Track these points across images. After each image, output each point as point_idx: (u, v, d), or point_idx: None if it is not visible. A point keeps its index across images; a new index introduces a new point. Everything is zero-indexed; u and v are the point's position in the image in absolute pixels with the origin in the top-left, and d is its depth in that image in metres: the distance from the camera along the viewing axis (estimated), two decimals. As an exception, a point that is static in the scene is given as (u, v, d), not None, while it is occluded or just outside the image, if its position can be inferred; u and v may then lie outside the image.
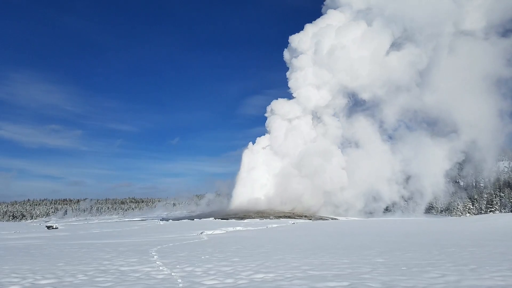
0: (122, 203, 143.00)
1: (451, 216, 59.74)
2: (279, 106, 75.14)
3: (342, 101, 73.81)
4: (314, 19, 77.72)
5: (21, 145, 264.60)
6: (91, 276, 7.09)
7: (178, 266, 8.15)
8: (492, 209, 58.75)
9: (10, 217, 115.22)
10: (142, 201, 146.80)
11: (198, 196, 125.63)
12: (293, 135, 73.04)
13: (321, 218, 55.30)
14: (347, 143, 74.09)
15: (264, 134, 78.62)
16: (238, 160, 79.84)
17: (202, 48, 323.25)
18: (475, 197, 64.14)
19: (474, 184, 72.32)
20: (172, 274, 7.23)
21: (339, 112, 74.97)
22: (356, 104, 74.71)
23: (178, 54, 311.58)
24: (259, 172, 74.02)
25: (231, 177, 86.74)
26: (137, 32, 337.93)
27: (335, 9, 76.32)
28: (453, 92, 66.09)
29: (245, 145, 79.99)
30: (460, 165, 71.56)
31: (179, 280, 6.56)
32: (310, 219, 51.38)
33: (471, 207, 62.72)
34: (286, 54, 79.37)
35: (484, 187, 68.36)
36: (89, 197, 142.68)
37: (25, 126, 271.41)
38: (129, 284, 6.28)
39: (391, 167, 67.79)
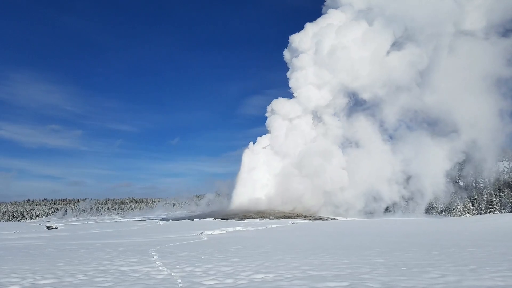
0: (122, 203, 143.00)
1: (451, 216, 59.75)
2: (279, 105, 75.14)
3: (342, 101, 73.80)
4: (315, 19, 77.76)
5: (21, 145, 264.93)
6: (90, 276, 7.09)
7: (178, 266, 8.14)
8: (492, 209, 58.74)
9: (10, 217, 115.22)
10: (142, 201, 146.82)
11: (198, 196, 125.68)
12: (294, 134, 73.03)
13: (321, 218, 55.31)
14: (348, 143, 74.12)
15: (264, 134, 78.75)
16: (238, 160, 79.89)
17: (202, 48, 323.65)
18: (475, 197, 64.15)
19: (474, 184, 72.33)
20: (172, 274, 7.23)
21: (339, 112, 74.97)
22: (356, 104, 74.74)
23: (178, 54, 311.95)
24: (260, 172, 74.00)
25: (231, 177, 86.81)
26: (137, 32, 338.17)
27: (336, 8, 76.31)
28: (454, 92, 66.13)
29: (245, 145, 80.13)
30: (461, 165, 71.57)
31: (179, 280, 6.55)
32: (310, 219, 51.39)
33: (471, 207, 62.73)
34: (287, 54, 79.42)
35: (484, 188, 68.37)
36: (89, 197, 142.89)
37: (25, 126, 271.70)
38: (128, 284, 6.27)
39: (391, 167, 67.75)
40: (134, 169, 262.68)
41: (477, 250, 10.28)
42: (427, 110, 68.54)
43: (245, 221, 44.65)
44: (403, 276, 6.39)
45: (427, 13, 68.16)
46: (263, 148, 76.37)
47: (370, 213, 65.93)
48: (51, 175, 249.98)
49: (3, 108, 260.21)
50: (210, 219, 51.75)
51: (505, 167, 74.37)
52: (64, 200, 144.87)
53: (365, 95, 70.93)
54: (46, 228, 37.22)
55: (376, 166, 67.04)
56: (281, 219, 48.58)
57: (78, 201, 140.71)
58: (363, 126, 72.08)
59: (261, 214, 57.39)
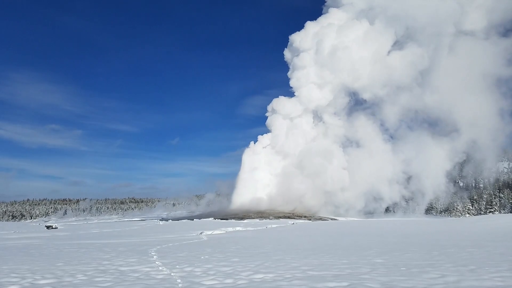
0: (122, 203, 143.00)
1: (450, 216, 59.76)
2: (280, 104, 75.07)
3: (343, 100, 73.70)
4: (315, 19, 77.72)
5: (20, 145, 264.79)
6: (90, 276, 7.09)
7: (177, 266, 8.14)
8: (492, 209, 58.74)
9: (10, 217, 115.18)
10: (142, 201, 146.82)
11: (198, 196, 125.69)
12: (294, 134, 72.96)
13: (321, 219, 55.31)
14: (348, 143, 74.08)
15: (265, 134, 78.69)
16: (238, 160, 79.91)
17: (202, 48, 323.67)
18: (475, 197, 64.15)
19: (473, 184, 72.35)
20: (172, 274, 7.23)
21: (340, 111, 74.86)
22: (357, 103, 74.71)
23: (178, 54, 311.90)
24: (261, 172, 73.95)
25: (231, 177, 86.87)
26: (137, 32, 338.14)
27: (337, 8, 76.22)
28: (454, 92, 66.21)
29: (244, 145, 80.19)
30: (461, 165, 71.59)
31: (179, 280, 6.55)
32: (310, 220, 51.38)
33: (471, 207, 62.73)
34: (287, 53, 79.33)
35: (484, 188, 68.37)
36: (88, 197, 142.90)
37: (24, 126, 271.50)
38: (128, 284, 6.27)
39: (392, 167, 67.73)
40: (134, 169, 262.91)
41: (476, 251, 10.29)
42: (427, 110, 68.66)
43: (245, 221, 44.64)
44: (403, 276, 6.40)
45: (428, 13, 68.24)
46: (264, 147, 76.30)
47: (370, 213, 65.92)
48: (51, 175, 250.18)
49: (3, 108, 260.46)
50: (210, 219, 51.73)
51: (504, 167, 74.35)
52: (64, 200, 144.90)
53: (366, 95, 70.99)
54: (45, 228, 37.19)
55: (376, 166, 67.03)
56: (280, 219, 48.58)
57: (78, 201, 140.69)
58: (364, 126, 72.10)
59: (261, 214, 57.38)
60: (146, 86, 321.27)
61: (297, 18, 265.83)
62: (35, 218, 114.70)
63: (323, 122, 75.00)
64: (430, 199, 67.14)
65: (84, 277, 7.01)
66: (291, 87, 75.30)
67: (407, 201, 68.33)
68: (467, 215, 59.89)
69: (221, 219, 50.63)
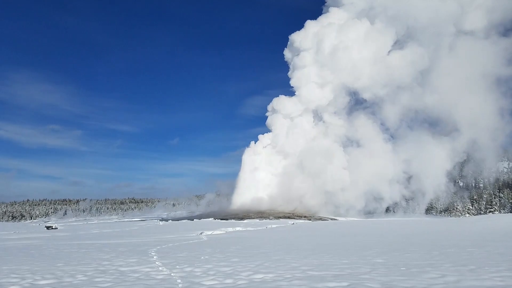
0: (122, 203, 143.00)
1: (450, 216, 59.77)
2: (281, 103, 75.03)
3: (344, 100, 73.66)
4: (315, 19, 77.68)
5: (20, 145, 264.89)
6: (90, 277, 7.09)
7: (177, 267, 8.15)
8: (492, 209, 58.76)
9: (10, 218, 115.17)
10: (142, 202, 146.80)
11: (198, 197, 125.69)
12: (295, 133, 72.92)
13: (321, 219, 55.31)
14: (349, 142, 74.04)
15: (265, 134, 78.63)
16: (238, 161, 79.94)
17: (202, 48, 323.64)
18: (475, 197, 64.18)
19: (473, 184, 72.38)
20: (172, 274, 7.23)
21: (340, 111, 74.81)
22: (357, 103, 74.69)
23: (178, 54, 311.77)
24: (261, 172, 73.93)
25: (231, 177, 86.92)
26: (137, 32, 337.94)
27: (337, 7, 76.15)
28: (455, 92, 66.24)
29: (244, 145, 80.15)
30: (461, 165, 71.58)
31: (179, 281, 6.56)
32: (310, 220, 51.38)
33: (471, 207, 62.76)
34: (287, 53, 79.26)
35: (484, 188, 68.41)
36: (88, 197, 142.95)
37: (24, 126, 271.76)
38: (128, 285, 6.28)
39: (392, 167, 67.66)
40: (133, 169, 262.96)
41: (476, 251, 10.29)
42: (428, 110, 68.66)
43: (245, 221, 44.64)
44: (403, 276, 6.40)
45: (428, 13, 68.26)
46: (264, 147, 76.26)
47: (370, 213, 65.89)
48: (50, 175, 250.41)
49: (2, 108, 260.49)
50: (210, 219, 51.72)
51: (504, 167, 74.41)
52: (64, 200, 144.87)
53: (366, 95, 70.98)
54: (45, 228, 37.17)
55: (377, 165, 66.97)
56: (280, 219, 48.58)
57: (77, 201, 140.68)
58: (364, 125, 72.06)
59: (261, 214, 57.37)
60: (146, 86, 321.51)
61: (297, 18, 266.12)
62: (35, 219, 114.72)
63: (323, 122, 75.04)
64: (431, 199, 67.12)
65: (84, 278, 7.01)
66: (292, 87, 75.40)
67: (407, 201, 68.30)
68: (467, 215, 59.91)
69: (221, 219, 50.63)
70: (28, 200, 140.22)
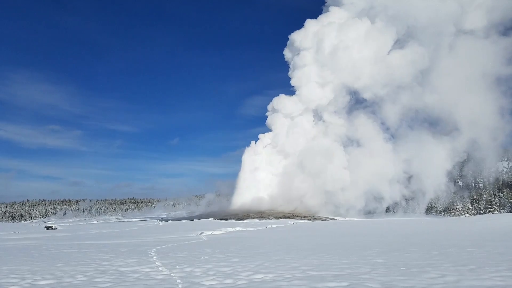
0: (122, 203, 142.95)
1: (450, 216, 59.80)
2: (281, 102, 74.97)
3: (344, 99, 73.63)
4: (315, 19, 77.67)
5: (20, 145, 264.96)
6: (90, 277, 7.09)
7: (177, 267, 8.14)
8: (491, 209, 58.78)
9: (9, 218, 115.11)
10: (142, 202, 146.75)
11: (197, 197, 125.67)
12: (295, 132, 72.86)
13: (321, 219, 55.31)
14: (349, 142, 74.01)
15: (266, 133, 78.56)
16: (238, 161, 79.92)
17: (202, 48, 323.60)
18: (474, 197, 64.20)
19: (473, 184, 72.41)
20: (172, 274, 7.23)
21: (340, 110, 74.75)
22: (357, 102, 74.65)
23: (178, 54, 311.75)
24: (262, 172, 73.87)
25: (231, 177, 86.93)
26: (137, 32, 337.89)
27: (338, 6, 76.08)
28: (455, 91, 66.28)
29: (244, 145, 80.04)
30: (461, 165, 71.58)
31: (179, 281, 6.55)
32: (310, 220, 51.38)
33: (470, 207, 62.78)
34: (287, 53, 79.18)
35: (484, 188, 68.43)
36: (88, 197, 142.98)
37: (24, 127, 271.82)
38: (128, 285, 6.27)
39: (392, 167, 67.63)
40: (133, 169, 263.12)
41: (476, 250, 10.29)
42: (428, 109, 68.67)
43: (245, 221, 44.66)
44: (403, 276, 6.40)
45: (428, 12, 68.29)
46: (264, 147, 76.20)
47: (370, 213, 65.87)
48: (50, 175, 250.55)
49: (2, 108, 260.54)
50: (210, 219, 51.73)
51: (504, 167, 74.43)
52: (64, 200, 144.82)
53: (367, 94, 70.96)
54: (45, 228, 37.18)
55: (377, 165, 66.93)
56: (280, 219, 48.60)
57: (77, 201, 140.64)
58: (364, 125, 72.03)
59: (261, 215, 57.37)
60: (146, 86, 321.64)
61: (297, 18, 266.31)
62: (34, 219, 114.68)
63: (323, 121, 75.02)
64: (431, 198, 67.09)
65: (84, 278, 7.00)
66: (292, 87, 75.41)
67: (407, 201, 68.29)
68: (467, 214, 59.94)
69: (221, 219, 50.63)
70: (28, 200, 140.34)
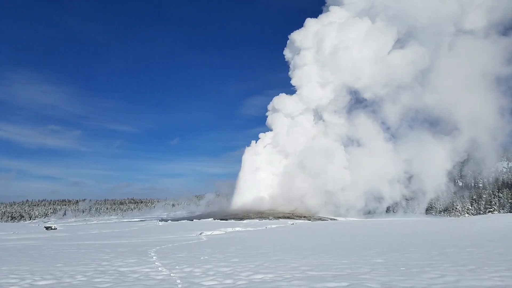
0: (121, 203, 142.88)
1: (450, 216, 59.82)
2: (281, 102, 74.94)
3: (344, 99, 73.61)
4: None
5: (20, 145, 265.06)
6: (89, 277, 7.08)
7: (177, 267, 8.14)
8: (491, 209, 58.81)
9: (9, 218, 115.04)
10: (141, 202, 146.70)
11: (197, 197, 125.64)
12: (295, 132, 72.82)
13: (320, 219, 55.31)
14: (349, 142, 74.01)
15: (267, 132, 78.52)
16: (238, 161, 79.91)
17: (202, 48, 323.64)
18: (474, 197, 64.23)
19: (473, 184, 72.43)
20: (171, 274, 7.23)
21: (340, 110, 74.70)
22: (357, 102, 74.64)
23: (178, 54, 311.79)
24: (262, 172, 73.82)
25: (231, 177, 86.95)
26: (137, 32, 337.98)
27: (339, 6, 76.05)
28: (455, 91, 66.33)
29: (244, 146, 79.99)
30: (461, 165, 71.60)
31: (178, 281, 6.55)
32: (309, 220, 51.37)
33: (470, 207, 62.81)
34: (287, 52, 79.12)
35: (483, 188, 68.46)
36: (88, 197, 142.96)
37: (24, 127, 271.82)
38: (128, 285, 6.27)
39: (393, 166, 67.62)
40: (133, 169, 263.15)
41: (476, 250, 10.29)
42: (428, 109, 68.71)
43: (245, 221, 44.64)
44: (402, 276, 6.40)
45: (429, 12, 68.33)
46: (264, 147, 76.16)
47: (371, 213, 65.87)
48: (50, 175, 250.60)
49: (2, 108, 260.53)
50: (210, 219, 51.71)
51: (504, 167, 74.46)
52: (63, 200, 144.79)
53: (367, 94, 70.97)
54: (45, 228, 37.15)
55: (377, 165, 66.92)
56: (280, 220, 48.59)
57: (77, 201, 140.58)
58: (365, 124, 72.05)
59: (261, 215, 57.35)
60: (146, 86, 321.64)
61: (298, 18, 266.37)
62: (34, 219, 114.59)
63: (323, 121, 75.00)
64: (431, 198, 67.09)
65: (83, 278, 7.00)
66: (292, 87, 75.41)
67: (407, 201, 68.29)
68: (466, 215, 59.96)
69: (221, 219, 50.60)
70: (27, 200, 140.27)
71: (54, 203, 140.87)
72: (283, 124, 74.49)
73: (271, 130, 76.83)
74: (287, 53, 78.93)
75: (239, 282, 6.32)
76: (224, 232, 23.80)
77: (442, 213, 65.51)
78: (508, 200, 59.08)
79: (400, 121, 71.60)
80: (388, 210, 68.59)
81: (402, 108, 69.67)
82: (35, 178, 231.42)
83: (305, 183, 67.44)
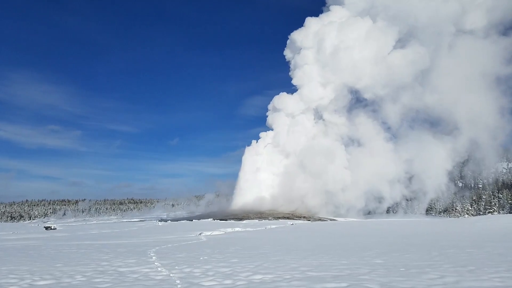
0: (121, 203, 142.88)
1: (449, 217, 59.80)
2: (282, 101, 74.88)
3: (345, 99, 73.59)
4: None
5: (20, 145, 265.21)
6: (89, 277, 7.08)
7: (176, 267, 8.13)
8: (491, 210, 58.82)
9: (9, 218, 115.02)
10: (141, 202, 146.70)
11: (197, 197, 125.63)
12: (296, 131, 72.75)
13: (320, 219, 55.28)
14: (350, 142, 73.97)
15: (268, 132, 78.45)
16: (238, 161, 79.92)
17: (202, 48, 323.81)
18: (474, 198, 64.23)
19: (473, 185, 72.43)
20: (171, 275, 7.22)
21: (341, 109, 74.65)
22: (358, 102, 74.61)
23: (178, 54, 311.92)
24: (263, 172, 73.74)
25: (231, 177, 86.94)
26: (137, 32, 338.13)
27: (340, 6, 76.01)
28: (455, 91, 66.34)
29: (244, 145, 79.96)
30: (461, 165, 71.58)
31: (178, 281, 6.54)
32: (309, 220, 51.36)
33: (470, 208, 62.81)
34: (288, 52, 79.07)
35: (483, 188, 68.46)
36: (88, 197, 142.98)
37: (24, 127, 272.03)
38: (127, 285, 6.26)
39: (393, 166, 67.55)
40: (133, 169, 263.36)
41: (475, 251, 10.28)
42: (428, 109, 68.70)
43: (244, 221, 44.62)
44: (402, 277, 6.39)
45: (429, 12, 68.34)
46: (265, 146, 76.09)
47: (371, 214, 65.83)
48: (50, 175, 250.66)
49: (2, 108, 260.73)
50: (209, 219, 51.69)
51: (503, 168, 74.46)
52: (63, 200, 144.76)
53: (368, 94, 70.95)
54: (44, 228, 37.12)
55: (378, 165, 66.85)
56: (280, 220, 48.58)
57: (77, 201, 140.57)
58: (365, 124, 72.02)
59: (260, 215, 57.32)
60: (146, 86, 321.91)
61: (298, 18, 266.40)
62: (34, 219, 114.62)
63: (323, 120, 74.96)
64: (431, 199, 67.06)
65: (83, 278, 6.99)
66: (292, 87, 75.38)
67: (408, 201, 68.25)
68: (466, 215, 59.96)
69: (221, 219, 50.58)
70: (27, 200, 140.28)
71: (53, 203, 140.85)
72: (283, 124, 74.46)
73: (271, 129, 76.84)
74: (287, 52, 79.00)
75: (239, 283, 6.32)
76: (223, 232, 23.78)
77: (442, 213, 65.51)
78: (508, 201, 59.08)
79: (400, 121, 71.69)
80: (388, 210, 68.56)
81: (403, 108, 69.74)
82: (34, 178, 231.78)
83: (306, 183, 67.38)
